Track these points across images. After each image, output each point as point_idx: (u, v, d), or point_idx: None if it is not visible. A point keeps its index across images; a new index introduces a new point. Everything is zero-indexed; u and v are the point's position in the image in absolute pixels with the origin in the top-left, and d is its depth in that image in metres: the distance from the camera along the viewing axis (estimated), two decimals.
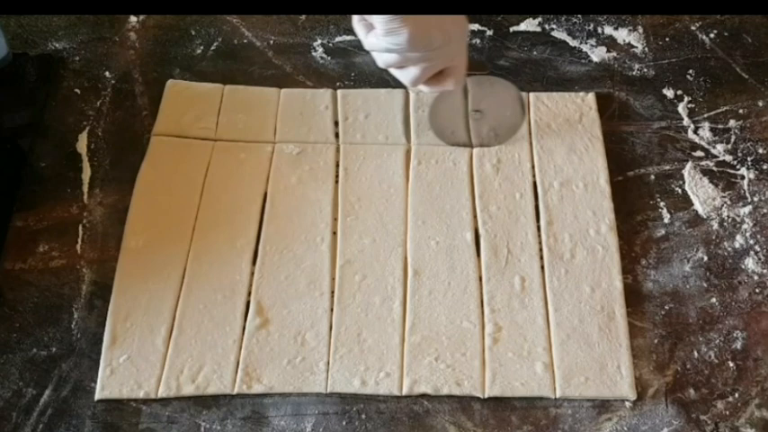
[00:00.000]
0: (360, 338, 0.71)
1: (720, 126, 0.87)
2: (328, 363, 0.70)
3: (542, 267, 0.76)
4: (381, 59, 0.66)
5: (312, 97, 0.87)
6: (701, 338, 0.72)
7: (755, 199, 0.81)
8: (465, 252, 0.76)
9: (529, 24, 0.96)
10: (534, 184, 0.81)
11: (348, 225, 0.78)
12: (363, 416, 0.68)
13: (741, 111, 0.88)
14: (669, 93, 0.89)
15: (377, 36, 0.63)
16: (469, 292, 0.74)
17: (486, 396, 0.68)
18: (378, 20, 0.60)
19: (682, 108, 0.88)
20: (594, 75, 0.91)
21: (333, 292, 0.74)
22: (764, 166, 0.83)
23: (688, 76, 0.91)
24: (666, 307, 0.74)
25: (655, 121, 0.87)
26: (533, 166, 0.82)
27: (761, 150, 0.85)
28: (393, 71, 0.68)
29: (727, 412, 0.68)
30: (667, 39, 0.94)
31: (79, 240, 0.77)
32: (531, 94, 0.88)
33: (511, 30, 0.95)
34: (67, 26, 0.95)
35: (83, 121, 0.86)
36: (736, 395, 0.69)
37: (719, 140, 0.85)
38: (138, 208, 0.79)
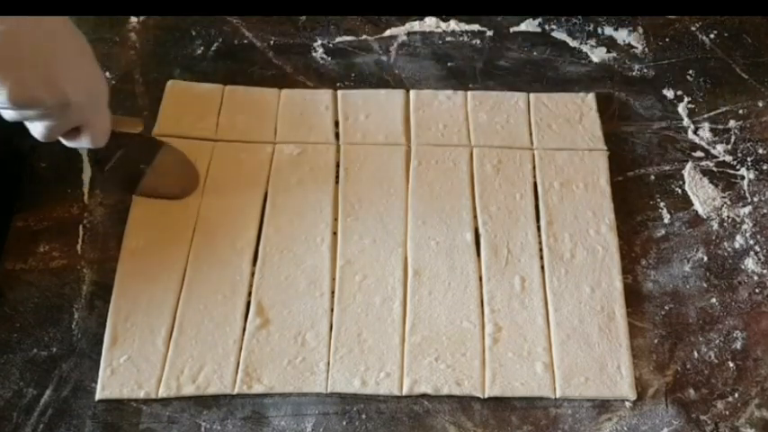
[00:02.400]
0: (360, 338, 0.71)
1: (720, 126, 0.87)
2: (328, 363, 0.70)
3: (542, 267, 0.76)
4: (5, 114, 0.60)
5: (312, 98, 0.87)
6: (701, 338, 0.72)
7: (755, 199, 0.81)
8: (465, 252, 0.76)
9: (529, 25, 0.96)
10: (534, 184, 0.81)
11: (348, 225, 0.78)
12: (363, 416, 0.68)
13: (741, 111, 0.88)
14: (669, 93, 0.89)
15: None
16: (469, 293, 0.74)
17: (486, 396, 0.69)
18: None
19: (682, 108, 0.88)
20: (594, 75, 0.91)
21: (333, 293, 0.74)
22: (764, 167, 0.84)
23: (688, 77, 0.91)
24: (666, 307, 0.74)
25: (655, 122, 0.87)
26: (534, 167, 0.82)
27: (761, 150, 0.85)
28: (27, 124, 0.63)
29: (727, 412, 0.68)
30: (667, 39, 0.95)
31: (80, 240, 0.77)
32: (532, 95, 0.88)
33: (511, 30, 0.96)
34: None
35: None
36: (736, 395, 0.69)
37: (719, 141, 0.85)
38: (139, 208, 0.79)
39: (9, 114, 0.60)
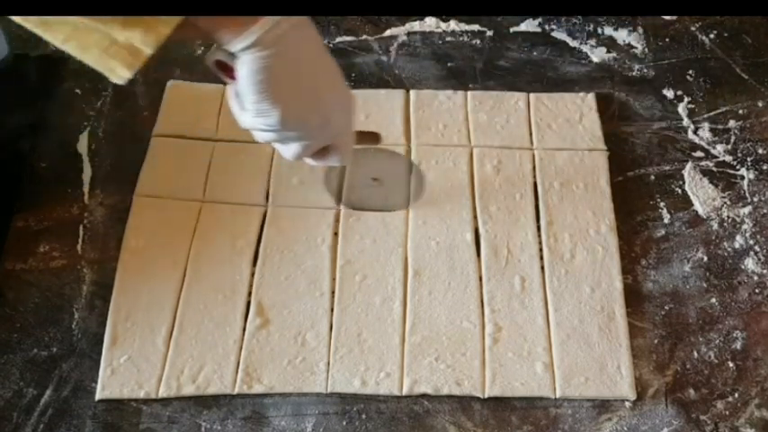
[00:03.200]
0: (360, 339, 0.71)
1: (720, 126, 0.87)
2: (328, 363, 0.70)
3: (542, 267, 0.76)
4: (259, 136, 0.61)
5: None
6: (700, 338, 0.72)
7: (755, 199, 0.81)
8: (465, 252, 0.76)
9: (529, 25, 0.96)
10: (534, 184, 0.81)
11: (349, 226, 0.78)
12: (364, 416, 0.68)
13: (741, 111, 0.88)
14: (669, 93, 0.89)
15: (248, 115, 0.59)
16: (469, 293, 0.74)
17: (486, 396, 0.69)
18: (248, 100, 0.56)
19: (682, 108, 0.88)
20: (594, 75, 0.91)
21: (333, 293, 0.74)
22: (764, 167, 0.84)
23: (688, 77, 0.91)
24: (666, 307, 0.74)
25: (655, 122, 0.87)
26: (534, 167, 0.82)
27: (761, 151, 0.85)
28: (274, 145, 0.64)
29: (727, 412, 0.68)
30: (667, 39, 0.95)
31: (80, 240, 0.77)
32: (532, 95, 0.88)
33: (511, 30, 0.96)
34: None
35: (83, 122, 0.86)
36: (736, 395, 0.69)
37: (719, 141, 0.85)
38: (139, 208, 0.79)
39: (267, 136, 0.60)
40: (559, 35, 0.95)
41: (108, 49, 0.51)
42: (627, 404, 0.69)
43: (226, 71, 0.57)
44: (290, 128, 0.59)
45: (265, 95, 0.56)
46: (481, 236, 0.77)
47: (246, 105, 0.57)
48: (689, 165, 0.83)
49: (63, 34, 0.51)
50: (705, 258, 0.77)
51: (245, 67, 0.54)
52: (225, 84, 0.59)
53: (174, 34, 0.50)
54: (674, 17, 0.96)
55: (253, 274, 0.75)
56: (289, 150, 0.63)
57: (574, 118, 0.86)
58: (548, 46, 0.94)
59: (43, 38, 0.51)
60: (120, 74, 0.52)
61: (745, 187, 0.82)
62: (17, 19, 0.50)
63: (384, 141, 0.84)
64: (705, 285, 0.75)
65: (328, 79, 0.60)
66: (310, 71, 0.58)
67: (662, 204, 0.81)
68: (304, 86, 0.58)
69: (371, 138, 0.74)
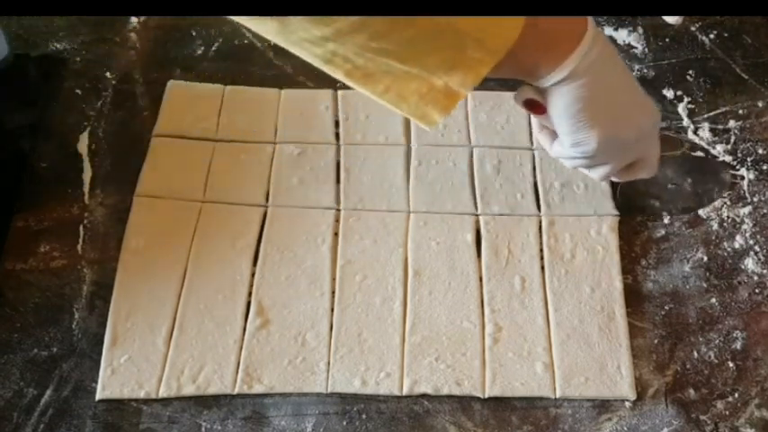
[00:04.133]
0: (360, 338, 0.71)
1: (720, 127, 0.87)
2: (329, 363, 0.70)
3: (542, 268, 0.76)
4: (570, 163, 0.62)
5: (313, 98, 0.87)
6: (700, 338, 0.72)
7: (755, 199, 0.81)
8: (465, 252, 0.76)
9: None
10: (535, 184, 0.81)
11: (349, 226, 0.78)
12: (364, 416, 0.68)
13: (741, 111, 0.88)
14: (669, 93, 0.89)
15: (563, 145, 0.59)
16: (470, 293, 0.74)
17: (486, 396, 0.69)
18: (563, 132, 0.57)
19: (681, 109, 0.88)
20: None
21: (333, 293, 0.74)
22: (764, 167, 0.84)
23: (688, 77, 0.91)
24: (666, 307, 0.74)
25: None
26: (534, 167, 0.82)
27: (761, 151, 0.85)
28: (581, 169, 0.65)
29: (727, 412, 0.68)
30: (667, 39, 0.95)
31: (80, 241, 0.77)
32: None
33: None
34: (68, 27, 0.95)
35: (84, 122, 0.86)
36: (736, 395, 0.69)
37: (719, 141, 0.85)
38: (139, 208, 0.79)
39: (580, 163, 0.60)
40: None
41: (426, 96, 0.52)
42: (627, 404, 0.69)
43: (533, 108, 0.57)
44: (604, 152, 0.58)
45: (582, 125, 0.56)
46: (482, 236, 0.77)
47: (561, 137, 0.57)
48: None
49: (383, 84, 0.52)
50: (705, 258, 0.77)
51: (561, 100, 0.54)
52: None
53: (491, 72, 0.50)
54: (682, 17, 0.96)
55: (253, 274, 0.75)
56: (598, 173, 0.63)
57: None
58: None
59: (362, 90, 0.51)
60: (433, 119, 0.52)
61: (745, 187, 0.82)
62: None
63: (384, 141, 0.84)
64: (705, 285, 0.75)
65: (635, 97, 0.60)
66: (619, 92, 0.57)
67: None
68: (617, 110, 0.57)
69: (673, 143, 0.73)
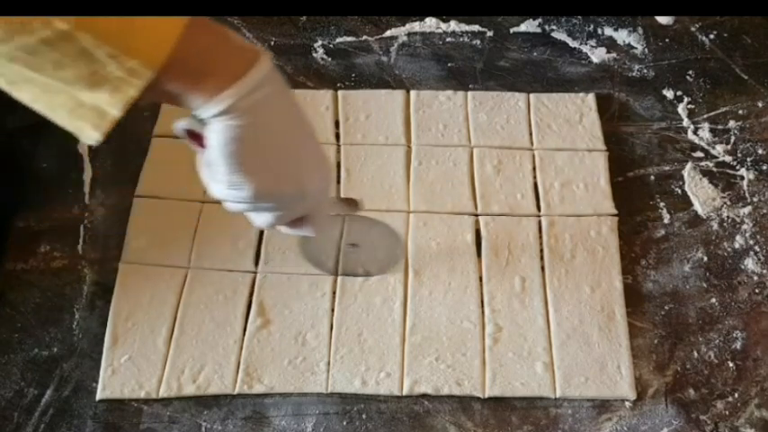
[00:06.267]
0: (360, 339, 0.71)
1: (720, 127, 0.87)
2: (329, 363, 0.70)
3: (542, 268, 0.76)
4: (231, 207, 0.56)
5: (313, 98, 0.87)
6: (700, 338, 0.72)
7: (755, 199, 0.81)
8: (465, 252, 0.76)
9: (529, 25, 0.96)
10: (535, 184, 0.81)
11: None
12: (364, 416, 0.68)
13: (741, 111, 0.88)
14: (669, 93, 0.89)
15: (221, 187, 0.54)
16: (470, 293, 0.74)
17: (486, 396, 0.69)
18: (219, 171, 0.52)
19: (681, 109, 0.88)
20: (594, 76, 0.91)
21: (334, 293, 0.74)
22: (764, 167, 0.84)
23: (688, 77, 0.91)
24: (666, 307, 0.74)
25: (655, 122, 0.87)
26: (534, 167, 0.83)
27: (760, 151, 0.85)
28: (245, 214, 0.59)
29: (727, 412, 0.68)
30: (667, 40, 0.95)
31: (80, 241, 0.78)
32: (532, 95, 0.88)
33: (511, 31, 0.96)
34: None
35: None
36: (736, 395, 0.69)
37: (719, 141, 0.86)
38: (140, 209, 0.79)
39: (240, 207, 0.56)
40: (559, 35, 0.95)
41: (75, 111, 0.49)
42: (627, 404, 0.69)
43: (195, 139, 0.52)
44: (263, 201, 0.54)
45: (237, 167, 0.51)
46: (482, 236, 0.77)
47: (217, 176, 0.52)
48: (689, 165, 0.83)
49: (31, 94, 0.48)
50: (705, 258, 0.77)
51: (216, 136, 0.49)
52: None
53: (141, 96, 0.46)
54: (674, 17, 0.96)
55: (254, 275, 0.75)
56: (260, 219, 0.58)
57: (574, 118, 0.86)
58: (548, 46, 0.94)
59: (12, 96, 0.48)
60: (89, 135, 0.49)
61: (745, 187, 0.82)
62: None
63: (385, 141, 0.84)
64: (705, 285, 0.76)
65: (305, 150, 0.55)
66: (287, 141, 0.53)
67: (662, 204, 0.81)
68: (280, 158, 0.53)
69: (350, 204, 0.70)
